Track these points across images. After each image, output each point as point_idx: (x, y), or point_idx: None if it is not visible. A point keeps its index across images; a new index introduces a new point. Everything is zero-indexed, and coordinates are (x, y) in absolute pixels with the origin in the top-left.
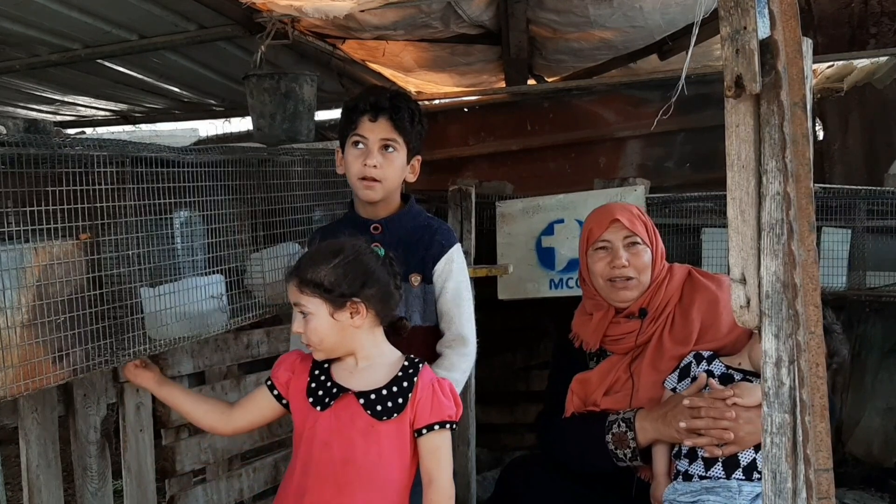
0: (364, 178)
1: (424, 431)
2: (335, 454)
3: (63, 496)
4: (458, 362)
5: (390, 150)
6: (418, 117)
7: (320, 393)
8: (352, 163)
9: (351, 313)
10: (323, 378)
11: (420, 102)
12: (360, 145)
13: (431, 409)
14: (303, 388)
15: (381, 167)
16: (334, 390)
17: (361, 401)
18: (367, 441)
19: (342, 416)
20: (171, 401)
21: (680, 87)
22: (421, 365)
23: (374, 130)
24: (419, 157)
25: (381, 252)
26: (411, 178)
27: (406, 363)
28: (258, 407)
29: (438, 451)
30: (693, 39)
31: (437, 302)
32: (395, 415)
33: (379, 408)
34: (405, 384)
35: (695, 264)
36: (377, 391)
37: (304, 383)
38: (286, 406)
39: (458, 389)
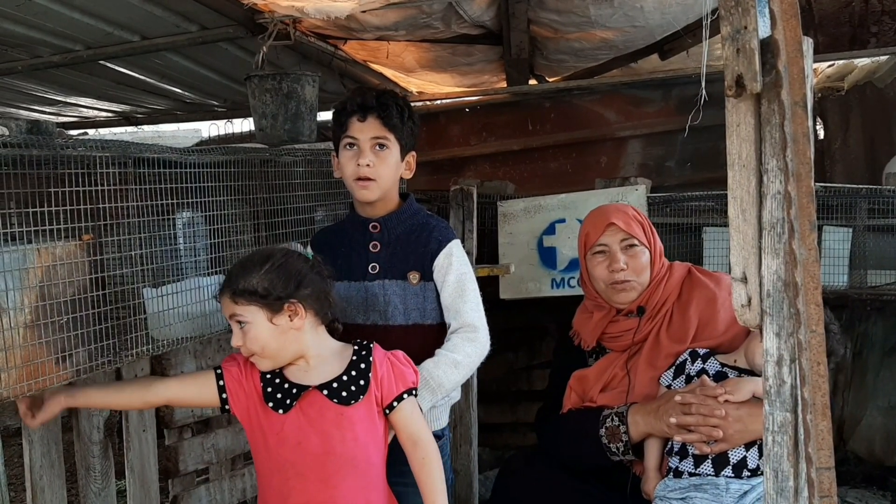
0: (359, 179)
1: (395, 404)
2: (312, 450)
3: (66, 496)
4: (462, 344)
5: (382, 147)
6: (408, 113)
7: (279, 396)
8: (346, 164)
9: (290, 315)
10: (278, 381)
11: (421, 102)
12: (353, 146)
13: (396, 381)
14: (257, 394)
15: (375, 165)
16: (294, 390)
17: (325, 392)
18: (341, 430)
19: (310, 413)
20: (91, 402)
21: (702, 86)
22: (371, 345)
23: (364, 130)
24: (414, 154)
25: (310, 255)
26: (407, 175)
27: (356, 347)
28: (196, 385)
29: (413, 414)
30: (706, 33)
31: (441, 297)
32: (361, 397)
33: (344, 394)
34: (362, 366)
35: (696, 263)
36: (338, 379)
37: (258, 389)
38: (224, 401)
39: (459, 372)
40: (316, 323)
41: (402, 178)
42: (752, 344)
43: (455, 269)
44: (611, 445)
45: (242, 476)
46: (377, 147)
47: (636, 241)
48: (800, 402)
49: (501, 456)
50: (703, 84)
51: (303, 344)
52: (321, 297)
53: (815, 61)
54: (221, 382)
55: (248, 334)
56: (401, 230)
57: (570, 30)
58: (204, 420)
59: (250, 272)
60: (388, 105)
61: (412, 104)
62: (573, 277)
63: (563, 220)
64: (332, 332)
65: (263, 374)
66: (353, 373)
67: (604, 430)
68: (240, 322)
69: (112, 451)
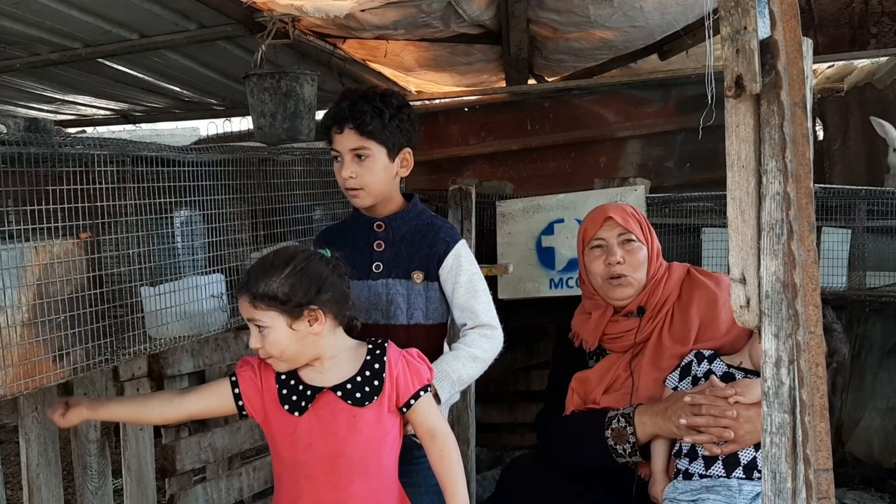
0: (348, 188)
1: (413, 402)
2: (322, 452)
3: (63, 495)
4: (479, 340)
5: (362, 157)
6: (390, 113)
7: (294, 398)
8: (336, 174)
9: (309, 321)
10: (293, 382)
11: (420, 102)
12: (338, 158)
13: (412, 379)
14: (273, 396)
15: (358, 175)
16: (308, 392)
17: (339, 393)
18: (353, 432)
19: (323, 415)
20: (114, 416)
21: (711, 87)
22: (386, 344)
23: (343, 142)
24: (408, 150)
25: (328, 254)
26: (404, 173)
27: (370, 346)
28: (215, 396)
29: (430, 409)
30: (709, 33)
31: (453, 298)
32: (376, 398)
33: (358, 395)
34: (376, 366)
35: (695, 264)
36: (352, 380)
37: (274, 391)
38: (241, 408)
39: (476, 367)
40: (334, 326)
41: (401, 178)
42: (757, 345)
43: (465, 269)
44: (617, 447)
45: (239, 475)
46: (357, 157)
47: (633, 237)
48: (798, 403)
49: (499, 456)
50: (713, 85)
51: (320, 347)
52: (341, 300)
53: (814, 62)
54: (237, 390)
55: (267, 339)
56: (405, 230)
57: (570, 30)
58: (201, 419)
59: (271, 275)
60: (363, 112)
61: (407, 101)
62: (571, 278)
63: (561, 221)
64: (351, 330)
65: (279, 375)
66: (367, 373)
67: (609, 431)
68: (259, 326)
69: (109, 449)
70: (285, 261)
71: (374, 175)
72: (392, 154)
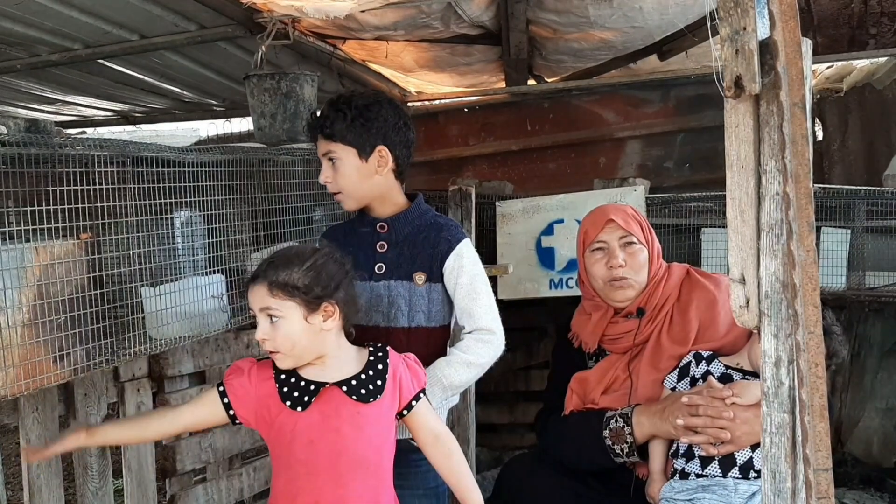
0: (330, 192)
1: (414, 403)
2: (323, 449)
3: (63, 495)
4: (475, 345)
5: (333, 161)
6: (354, 113)
7: (296, 394)
8: None
9: (324, 316)
10: (294, 380)
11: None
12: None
13: (412, 381)
14: (272, 394)
15: (332, 179)
16: (312, 387)
17: (344, 388)
18: (355, 428)
19: (326, 410)
20: (111, 439)
21: (719, 85)
22: (387, 348)
23: (319, 148)
24: (383, 147)
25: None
26: (382, 171)
27: (372, 349)
28: (206, 409)
29: (429, 411)
30: (711, 32)
31: (454, 299)
32: (379, 396)
33: (363, 391)
34: (380, 367)
35: (694, 264)
36: (356, 377)
37: (272, 389)
38: (232, 417)
39: (470, 372)
40: (341, 327)
41: (400, 178)
42: (756, 346)
43: (467, 270)
44: (615, 447)
45: (240, 476)
46: (330, 161)
47: (634, 239)
48: (797, 403)
49: (499, 456)
50: (720, 83)
51: (327, 345)
52: (352, 302)
53: (813, 62)
54: (226, 400)
55: (280, 330)
56: (409, 230)
57: (570, 30)
58: None
59: (292, 266)
60: (326, 116)
61: (380, 99)
62: (571, 278)
63: (561, 221)
64: (346, 337)
65: (278, 375)
66: (371, 372)
67: (607, 431)
68: (271, 316)
69: (109, 450)
70: (308, 253)
71: (347, 178)
72: (363, 154)
